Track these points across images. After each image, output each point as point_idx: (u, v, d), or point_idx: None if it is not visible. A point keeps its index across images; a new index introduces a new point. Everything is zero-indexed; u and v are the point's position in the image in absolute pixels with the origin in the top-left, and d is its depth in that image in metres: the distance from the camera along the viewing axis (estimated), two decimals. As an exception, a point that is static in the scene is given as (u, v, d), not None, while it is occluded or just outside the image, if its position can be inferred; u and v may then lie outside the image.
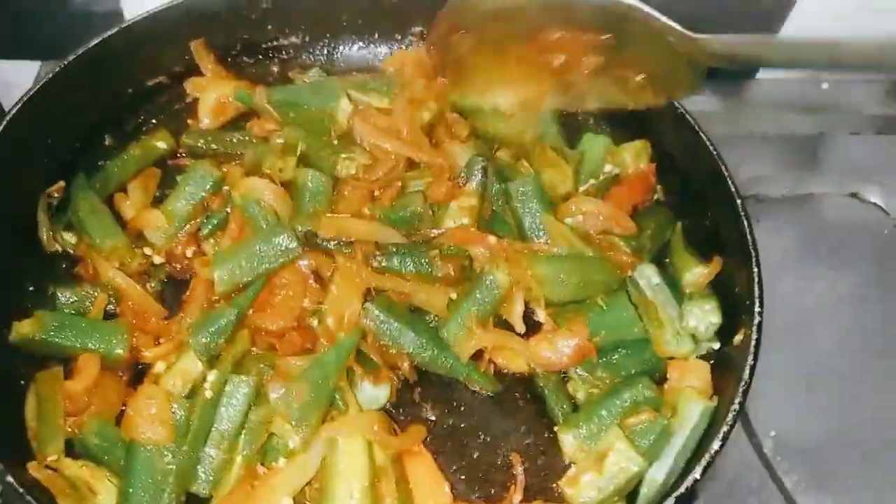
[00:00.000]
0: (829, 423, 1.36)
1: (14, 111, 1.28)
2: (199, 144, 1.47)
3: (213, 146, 1.47)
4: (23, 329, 1.18)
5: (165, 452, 1.08)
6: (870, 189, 1.66)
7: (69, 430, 1.12)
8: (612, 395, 1.19)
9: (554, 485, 1.17)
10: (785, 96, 1.83)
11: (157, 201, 1.39)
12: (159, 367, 1.17)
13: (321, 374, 1.13)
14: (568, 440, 1.18)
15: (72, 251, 1.32)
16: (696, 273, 1.29)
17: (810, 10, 1.71)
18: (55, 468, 1.09)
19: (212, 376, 1.11)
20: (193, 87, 1.55)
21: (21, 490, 1.01)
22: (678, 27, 1.10)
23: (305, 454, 1.09)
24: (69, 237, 1.32)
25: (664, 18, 1.11)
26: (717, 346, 1.25)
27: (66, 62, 1.36)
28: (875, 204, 1.65)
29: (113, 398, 1.15)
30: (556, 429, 1.21)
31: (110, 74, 1.45)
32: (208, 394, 1.10)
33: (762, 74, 1.87)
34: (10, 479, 1.01)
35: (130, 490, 1.06)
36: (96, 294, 1.25)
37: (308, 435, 1.09)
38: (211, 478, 1.10)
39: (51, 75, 1.34)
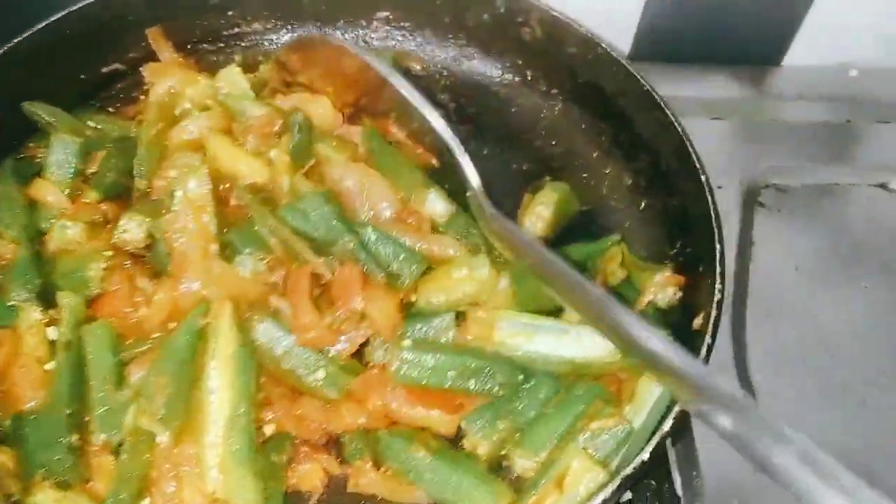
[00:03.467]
0: (853, 449, 1.13)
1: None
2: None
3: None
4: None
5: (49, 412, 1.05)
6: (897, 179, 1.55)
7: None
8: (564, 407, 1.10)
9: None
10: (811, 84, 1.75)
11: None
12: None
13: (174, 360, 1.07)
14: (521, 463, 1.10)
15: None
16: (660, 281, 1.22)
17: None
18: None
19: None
20: (151, 73, 1.50)
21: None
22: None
23: None
24: None
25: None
26: None
27: (8, 46, 1.31)
28: (902, 194, 1.54)
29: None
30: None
31: (61, 60, 1.40)
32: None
33: (787, 61, 1.79)
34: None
35: (29, 455, 1.03)
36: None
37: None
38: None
39: (-5, 57, 1.30)
